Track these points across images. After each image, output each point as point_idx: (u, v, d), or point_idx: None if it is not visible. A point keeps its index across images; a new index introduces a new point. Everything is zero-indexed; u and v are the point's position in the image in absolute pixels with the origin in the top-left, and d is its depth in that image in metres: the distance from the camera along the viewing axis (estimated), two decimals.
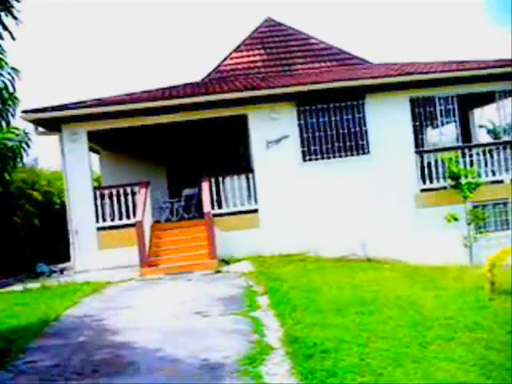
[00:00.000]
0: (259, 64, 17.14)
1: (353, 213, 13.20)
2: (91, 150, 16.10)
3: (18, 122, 14.42)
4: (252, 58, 17.35)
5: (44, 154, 20.78)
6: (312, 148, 13.28)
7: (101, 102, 12.77)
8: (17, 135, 6.36)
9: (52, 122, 12.70)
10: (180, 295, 8.39)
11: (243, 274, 10.02)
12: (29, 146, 6.65)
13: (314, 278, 9.59)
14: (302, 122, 13.29)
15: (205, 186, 12.63)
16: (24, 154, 6.58)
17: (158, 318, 7.00)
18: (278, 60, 17.24)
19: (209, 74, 16.85)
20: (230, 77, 16.54)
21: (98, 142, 15.81)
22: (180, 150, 17.26)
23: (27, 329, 6.51)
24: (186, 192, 15.24)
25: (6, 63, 5.93)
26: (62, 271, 12.75)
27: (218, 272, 10.47)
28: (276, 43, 17.87)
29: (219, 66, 17.24)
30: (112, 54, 51.51)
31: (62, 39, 52.45)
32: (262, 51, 17.56)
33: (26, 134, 6.43)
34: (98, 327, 6.61)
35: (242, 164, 16.88)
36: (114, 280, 10.43)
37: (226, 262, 12.02)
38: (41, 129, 12.92)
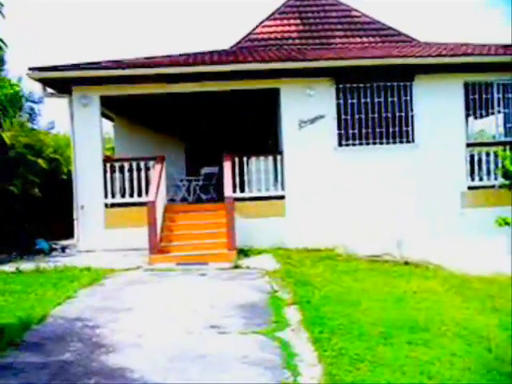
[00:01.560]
0: (294, 35, 15.54)
1: (390, 207, 11.76)
2: (104, 115, 14.84)
3: (29, 81, 13.18)
4: (286, 28, 15.75)
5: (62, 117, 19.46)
6: (350, 132, 11.80)
7: (118, 64, 11.37)
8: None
9: (62, 82, 11.35)
10: (193, 298, 7.07)
11: (266, 272, 8.69)
12: (20, 99, 5.31)
13: (348, 283, 8.23)
14: (341, 101, 11.78)
15: (227, 165, 11.25)
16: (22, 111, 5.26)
17: (165, 331, 5.70)
18: (314, 32, 15.62)
19: (238, 43, 15.30)
20: (261, 47, 14.99)
21: (112, 107, 14.44)
22: (201, 124, 15.84)
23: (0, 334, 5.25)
24: (205, 170, 13.89)
25: None
26: (63, 249, 11.53)
27: (237, 267, 9.14)
28: (314, 13, 16.25)
29: (250, 34, 15.67)
30: (133, 18, 49.47)
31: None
32: (298, 21, 15.94)
33: (11, 85, 5.08)
34: (90, 339, 5.32)
35: (268, 144, 15.48)
36: (118, 267, 9.17)
37: (245, 252, 10.70)
38: (49, 90, 11.59)
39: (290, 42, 15.26)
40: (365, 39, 15.35)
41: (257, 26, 15.85)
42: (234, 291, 7.38)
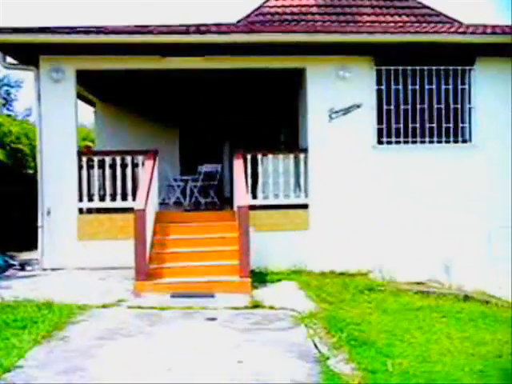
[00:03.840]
0: (314, 10, 13.08)
1: (438, 223, 9.36)
2: (82, 98, 12.24)
3: None
4: (304, 2, 13.27)
5: None
6: (393, 126, 9.36)
7: (100, 29, 8.76)
8: None
9: (26, 50, 8.74)
10: (200, 373, 4.57)
11: (300, 316, 6.21)
12: None
13: (418, 338, 5.80)
14: (383, 87, 9.34)
15: (238, 164, 8.75)
16: None
17: None
18: (338, 7, 13.17)
19: (247, 16, 12.78)
20: (276, 22, 12.50)
21: (92, 87, 11.81)
22: (201, 111, 13.25)
23: None
24: (206, 168, 11.35)
25: None
26: (22, 266, 8.95)
27: (257, 306, 6.64)
28: None
29: (260, 7, 13.17)
30: None
31: None
32: None
33: None
34: None
35: (280, 139, 13.00)
36: (92, 301, 6.63)
37: (260, 277, 8.25)
38: (10, 59, 8.97)
39: (310, 17, 12.78)
40: (397, 18, 12.94)
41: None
42: (263, 358, 4.89)
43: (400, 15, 13.04)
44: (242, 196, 7.87)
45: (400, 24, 12.57)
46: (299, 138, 10.05)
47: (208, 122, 13.41)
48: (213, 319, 6.04)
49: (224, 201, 11.88)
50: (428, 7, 13.21)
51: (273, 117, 12.92)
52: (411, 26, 11.97)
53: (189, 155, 13.31)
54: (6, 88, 31.76)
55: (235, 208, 8.96)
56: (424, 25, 12.34)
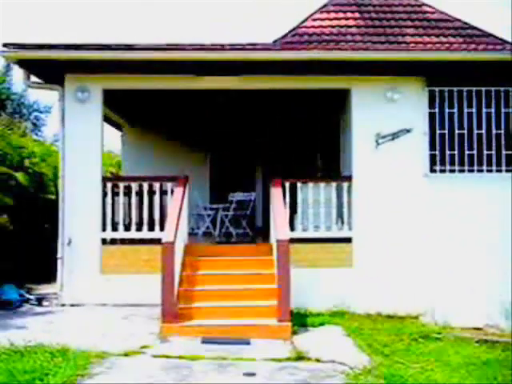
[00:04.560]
0: (354, 30, 12.33)
1: (497, 262, 8.36)
2: (110, 122, 11.66)
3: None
4: (343, 22, 12.50)
5: None
6: (447, 153, 8.48)
7: (130, 46, 8.14)
8: None
9: (51, 68, 8.18)
10: None
11: (353, 374, 5.28)
12: None
13: None
14: (436, 110, 8.50)
15: (276, 192, 7.93)
16: None
17: None
18: (379, 27, 12.40)
19: (283, 36, 12.09)
20: (314, 42, 11.79)
21: (119, 109, 11.22)
22: (233, 135, 12.56)
23: None
24: (237, 197, 10.58)
25: None
26: (39, 301, 8.21)
27: (300, 358, 5.74)
28: (375, 7, 13.03)
29: (297, 28, 12.47)
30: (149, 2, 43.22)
31: None
32: (357, 14, 12.72)
33: None
34: None
35: (316, 166, 12.21)
36: (112, 347, 5.82)
37: (300, 320, 7.35)
38: (34, 78, 8.41)
39: (349, 38, 12.01)
40: (443, 39, 12.07)
41: (305, 20, 12.62)
42: None
43: (446, 36, 12.18)
44: (282, 229, 7.03)
45: (447, 45, 11.75)
46: (341, 164, 9.24)
47: (240, 146, 12.70)
48: (251, 374, 5.17)
49: (256, 232, 11.07)
50: (476, 28, 12.33)
51: (309, 142, 12.16)
52: (458, 48, 11.16)
53: (219, 182, 12.59)
54: (35, 113, 31.79)
55: (272, 241, 8.18)
56: (474, 46, 11.51)
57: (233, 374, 5.20)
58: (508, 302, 8.25)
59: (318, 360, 5.67)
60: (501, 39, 12.07)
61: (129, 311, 7.68)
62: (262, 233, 10.96)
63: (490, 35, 12.20)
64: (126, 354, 5.65)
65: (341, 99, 9.15)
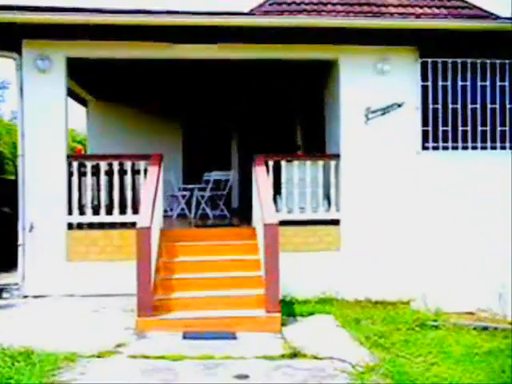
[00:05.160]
0: (334, 0, 11.70)
1: (492, 244, 7.97)
2: (73, 96, 10.78)
3: None
4: None
5: None
6: (440, 129, 7.98)
7: (96, 9, 7.29)
8: None
9: (6, 31, 7.26)
10: None
11: (355, 372, 4.75)
12: None
13: None
14: (429, 83, 7.96)
15: (260, 172, 7.29)
16: None
17: None
18: None
19: (260, 5, 11.36)
20: (294, 12, 11.10)
21: (85, 82, 10.31)
22: (208, 106, 11.80)
23: None
24: (215, 176, 9.91)
25: None
26: None
27: (295, 355, 5.16)
28: None
29: None
30: None
31: None
32: None
33: None
34: None
35: (296, 143, 11.62)
36: (83, 347, 5.13)
37: (287, 308, 6.83)
38: None
39: (330, 7, 11.39)
40: (428, 10, 11.60)
41: None
42: None
43: (430, 7, 11.70)
44: (269, 212, 6.41)
45: (431, 17, 11.23)
46: (326, 141, 8.65)
47: (214, 116, 11.93)
48: (244, 377, 4.58)
49: (234, 213, 10.44)
50: None
51: (288, 114, 11.56)
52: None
53: (193, 159, 11.85)
54: None
55: (254, 224, 7.59)
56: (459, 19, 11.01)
57: (222, 376, 4.60)
58: (502, 285, 7.89)
59: (315, 357, 5.11)
60: (485, 11, 11.64)
61: (100, 302, 6.98)
62: (239, 214, 10.36)
63: (475, 7, 11.76)
64: (99, 356, 4.98)
65: (325, 71, 8.53)
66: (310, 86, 9.79)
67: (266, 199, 6.67)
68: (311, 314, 6.75)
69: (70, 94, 10.08)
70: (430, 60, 7.92)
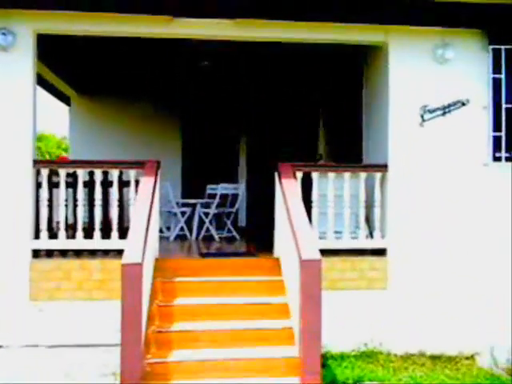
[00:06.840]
0: None
1: None
2: (55, 93, 9.06)
3: None
4: None
5: None
6: None
7: None
8: None
9: None
10: None
11: None
12: None
13: None
14: (502, 76, 6.25)
15: (288, 185, 5.49)
16: None
17: None
18: None
19: None
20: None
21: (65, 72, 8.53)
22: (216, 111, 10.07)
23: None
24: (222, 189, 8.13)
25: None
26: None
27: None
28: None
29: None
30: None
31: None
32: None
33: None
34: None
35: (338, 153, 9.79)
36: None
37: (326, 370, 5.04)
38: None
39: None
40: None
41: None
42: None
43: None
44: (307, 242, 4.62)
45: None
46: (364, 149, 6.91)
47: (220, 117, 10.16)
48: None
49: (242, 234, 8.66)
50: None
51: (308, 120, 9.85)
52: None
53: (194, 168, 10.06)
54: None
55: (277, 253, 5.84)
56: None
57: None
58: None
59: None
60: None
61: (72, 358, 5.21)
62: (250, 235, 8.61)
63: None
64: None
65: (362, 62, 6.85)
66: (341, 81, 8.10)
67: (301, 224, 4.89)
68: (359, 381, 4.97)
69: (52, 90, 8.48)
70: (503, 47, 6.21)
